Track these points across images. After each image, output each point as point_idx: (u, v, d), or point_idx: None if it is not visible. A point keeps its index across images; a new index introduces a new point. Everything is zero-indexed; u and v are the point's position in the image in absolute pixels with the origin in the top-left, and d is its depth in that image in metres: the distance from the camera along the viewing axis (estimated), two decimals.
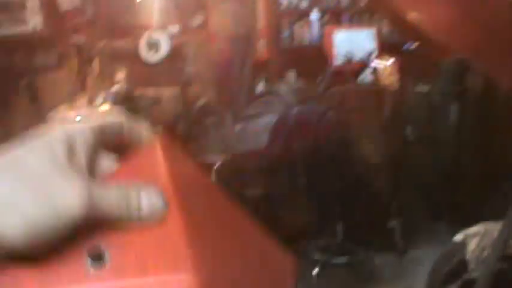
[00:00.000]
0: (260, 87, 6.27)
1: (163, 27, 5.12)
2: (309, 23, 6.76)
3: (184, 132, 5.32)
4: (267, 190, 4.22)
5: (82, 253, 0.46)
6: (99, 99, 1.43)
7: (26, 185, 0.42)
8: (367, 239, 4.74)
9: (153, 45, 4.96)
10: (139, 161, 0.52)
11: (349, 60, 5.19)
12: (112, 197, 0.46)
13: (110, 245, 0.46)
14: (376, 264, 4.64)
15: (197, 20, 5.37)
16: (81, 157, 0.47)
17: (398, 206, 4.94)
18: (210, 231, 0.53)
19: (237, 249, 0.56)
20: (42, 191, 0.42)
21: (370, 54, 5.21)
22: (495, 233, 1.79)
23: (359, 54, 5.22)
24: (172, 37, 5.08)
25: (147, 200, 0.47)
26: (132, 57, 4.99)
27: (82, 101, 4.41)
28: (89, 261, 0.45)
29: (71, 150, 0.46)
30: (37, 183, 0.43)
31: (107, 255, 0.46)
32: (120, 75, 4.85)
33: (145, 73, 5.11)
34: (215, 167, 3.29)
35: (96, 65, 5.04)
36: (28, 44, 4.79)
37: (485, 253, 2.62)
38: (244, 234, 0.60)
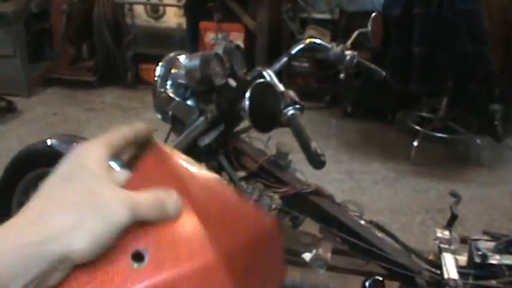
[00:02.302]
0: None
1: None
2: None
3: None
4: (376, 54, 4.06)
5: (126, 253, 0.53)
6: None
7: (85, 207, 0.52)
8: (469, 120, 4.66)
9: None
10: (149, 167, 0.62)
11: None
12: (148, 202, 0.55)
13: (148, 242, 0.54)
14: (474, 146, 4.56)
15: None
16: (116, 170, 0.59)
17: (502, 90, 4.82)
18: (217, 220, 0.61)
19: (241, 229, 0.65)
20: (97, 208, 0.52)
21: None
22: None
23: None
24: None
25: (173, 201, 0.57)
26: None
27: None
28: (132, 260, 0.53)
29: (108, 167, 0.58)
30: (92, 202, 0.52)
31: (147, 253, 0.53)
32: None
33: None
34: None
35: None
36: None
37: None
38: (244, 216, 0.69)
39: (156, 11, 5.43)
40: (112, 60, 5.59)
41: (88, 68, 5.63)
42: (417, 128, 4.54)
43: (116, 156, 0.61)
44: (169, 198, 0.57)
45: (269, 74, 1.58)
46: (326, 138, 4.72)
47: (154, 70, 1.73)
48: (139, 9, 5.47)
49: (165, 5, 5.38)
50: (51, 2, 5.44)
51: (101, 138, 0.62)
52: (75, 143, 2.24)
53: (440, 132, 4.51)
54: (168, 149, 0.69)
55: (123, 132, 0.65)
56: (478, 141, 4.48)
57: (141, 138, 0.66)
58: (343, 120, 5.13)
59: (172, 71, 1.72)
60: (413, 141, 4.41)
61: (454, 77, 4.11)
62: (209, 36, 5.37)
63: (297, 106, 1.45)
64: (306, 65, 5.12)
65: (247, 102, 1.41)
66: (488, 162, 4.47)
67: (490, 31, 4.25)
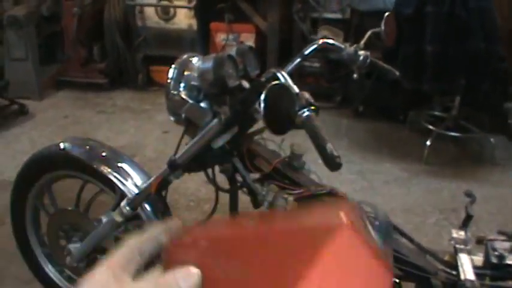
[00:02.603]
0: None
1: None
2: None
3: None
4: (388, 53, 4.04)
5: None
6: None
7: None
8: (481, 118, 4.64)
9: None
10: None
11: None
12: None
13: None
14: (487, 145, 4.53)
15: None
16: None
17: None
18: None
19: None
20: None
21: None
22: None
23: None
24: None
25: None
26: None
27: None
28: None
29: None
30: None
31: None
32: None
33: None
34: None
35: None
36: None
37: None
38: None
39: (166, 13, 5.44)
40: (123, 62, 5.60)
41: (99, 70, 5.64)
42: (430, 127, 4.51)
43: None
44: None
45: (283, 76, 1.57)
46: (337, 138, 4.71)
47: (166, 72, 1.73)
48: (149, 11, 5.47)
49: (175, 7, 5.38)
50: (62, 4, 5.46)
51: (110, 264, 0.68)
52: (87, 146, 2.25)
53: (453, 132, 4.48)
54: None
55: (133, 248, 0.70)
56: (491, 140, 4.45)
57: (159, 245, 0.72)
58: (355, 120, 5.11)
59: (185, 73, 1.72)
60: (426, 140, 4.39)
61: (467, 75, 4.08)
62: (220, 37, 5.37)
63: (312, 108, 1.44)
64: (316, 65, 5.11)
65: (262, 105, 1.40)
66: (502, 162, 4.44)
67: (502, 27, 4.22)
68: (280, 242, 0.66)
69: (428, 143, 4.37)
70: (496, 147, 4.45)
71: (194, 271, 0.65)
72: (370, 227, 0.70)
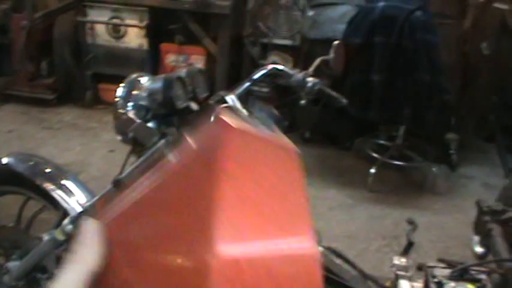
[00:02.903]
0: None
1: None
2: None
3: (253, 11, 5.19)
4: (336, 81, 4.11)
5: None
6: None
7: None
8: (425, 148, 4.74)
9: None
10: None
11: None
12: None
13: None
14: (430, 174, 4.63)
15: None
16: None
17: (458, 120, 4.93)
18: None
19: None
20: None
21: None
22: None
23: None
24: None
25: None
26: None
27: None
28: None
29: None
30: None
31: None
32: None
33: None
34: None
35: None
36: None
37: None
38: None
39: (117, 31, 5.41)
40: (71, 78, 5.53)
41: (47, 86, 5.56)
42: (374, 155, 4.59)
43: None
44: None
45: (232, 99, 1.58)
46: None
47: (114, 90, 1.72)
48: (100, 28, 5.44)
49: (126, 25, 5.36)
50: (11, 17, 5.37)
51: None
52: (31, 162, 2.21)
53: (397, 160, 4.57)
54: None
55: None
56: (433, 169, 4.55)
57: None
58: (301, 145, 5.08)
59: (134, 92, 1.71)
60: (371, 168, 4.46)
61: (412, 105, 4.18)
62: (169, 58, 5.37)
63: None
64: (265, 89, 5.13)
65: None
66: (443, 190, 4.54)
67: (448, 62, 4.34)
68: (182, 177, 0.68)
69: (372, 170, 4.44)
70: (437, 177, 4.55)
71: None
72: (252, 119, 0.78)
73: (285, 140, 0.73)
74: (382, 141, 4.87)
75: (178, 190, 0.66)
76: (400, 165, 4.57)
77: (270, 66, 1.94)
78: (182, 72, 1.73)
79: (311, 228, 0.69)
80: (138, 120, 1.67)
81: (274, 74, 1.98)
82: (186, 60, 5.32)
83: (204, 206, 0.63)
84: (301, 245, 0.69)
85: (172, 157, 0.75)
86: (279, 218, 0.67)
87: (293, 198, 0.69)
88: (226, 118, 0.66)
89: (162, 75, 1.67)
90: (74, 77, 5.53)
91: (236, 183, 0.62)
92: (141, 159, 1.71)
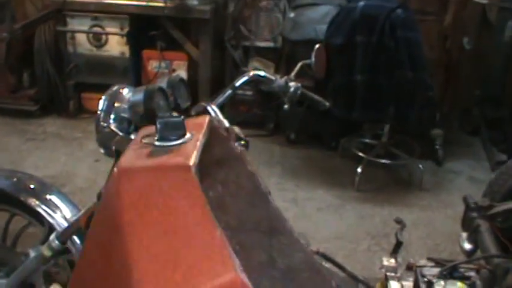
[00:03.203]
0: None
1: None
2: None
3: (234, 14, 5.19)
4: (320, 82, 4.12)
5: None
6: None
7: None
8: (410, 145, 4.76)
9: None
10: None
11: None
12: None
13: None
14: (416, 171, 4.65)
15: None
16: None
17: (442, 115, 4.96)
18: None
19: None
20: None
21: None
22: None
23: None
24: None
25: None
26: None
27: None
28: None
29: None
30: None
31: None
32: None
33: None
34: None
35: None
36: None
37: None
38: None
39: (98, 40, 5.38)
40: (54, 89, 5.49)
41: (29, 97, 5.52)
42: (360, 154, 4.59)
43: None
44: None
45: (214, 110, 1.58)
46: (270, 166, 4.73)
47: (97, 99, 1.71)
48: (81, 37, 5.41)
49: (107, 34, 5.34)
50: None
51: None
52: (15, 178, 2.19)
53: (383, 158, 4.58)
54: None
55: None
56: (420, 165, 4.56)
57: None
58: (287, 147, 5.15)
59: (116, 104, 1.70)
60: (357, 167, 4.47)
61: (396, 103, 4.18)
62: (152, 65, 5.35)
63: (242, 142, 1.45)
64: (249, 93, 5.14)
65: None
66: (430, 187, 4.55)
67: (430, 58, 4.36)
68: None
69: (359, 169, 4.45)
70: (424, 173, 4.57)
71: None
72: None
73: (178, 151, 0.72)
74: (367, 140, 4.88)
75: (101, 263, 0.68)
76: (386, 163, 4.58)
77: (252, 73, 1.94)
78: (163, 82, 1.72)
79: (229, 256, 0.66)
80: (121, 133, 1.66)
81: (256, 80, 1.98)
82: (168, 66, 5.30)
83: (125, 279, 0.63)
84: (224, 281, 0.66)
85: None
86: (195, 264, 0.65)
87: (200, 231, 0.67)
88: (124, 161, 0.68)
89: (143, 87, 1.66)
90: (56, 87, 5.49)
91: (142, 235, 0.61)
92: None
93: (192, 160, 0.68)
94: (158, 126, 0.65)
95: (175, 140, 0.69)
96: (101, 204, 0.70)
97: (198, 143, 0.72)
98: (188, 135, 0.72)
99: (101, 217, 0.67)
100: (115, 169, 0.62)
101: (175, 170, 0.68)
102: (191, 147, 0.73)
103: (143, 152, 0.70)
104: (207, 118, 0.81)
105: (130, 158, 0.67)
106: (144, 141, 0.71)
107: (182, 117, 0.70)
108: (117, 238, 0.62)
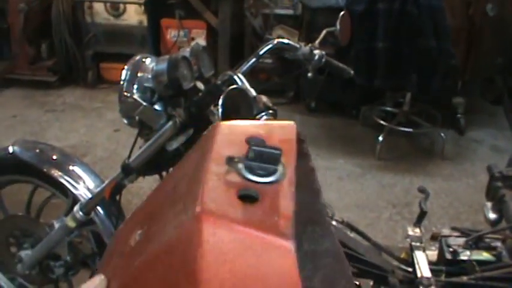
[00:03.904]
0: None
1: None
2: None
3: None
4: (340, 49, 4.06)
5: None
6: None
7: None
8: (432, 113, 4.71)
9: None
10: None
11: None
12: None
13: None
14: (438, 139, 4.60)
15: None
16: None
17: (464, 83, 4.89)
18: None
19: None
20: None
21: None
22: None
23: None
24: None
25: None
26: None
27: None
28: None
29: None
30: None
31: None
32: None
33: None
34: None
35: None
36: None
37: None
38: None
39: (116, 9, 5.35)
40: (72, 59, 5.49)
41: (48, 68, 5.52)
42: (382, 122, 4.55)
43: None
44: None
45: (240, 79, 1.55)
46: None
47: (116, 69, 1.70)
48: (99, 7, 5.38)
49: (125, 3, 5.31)
50: (7, 1, 5.31)
51: None
52: (37, 150, 2.19)
53: (404, 127, 4.54)
54: None
55: None
56: (442, 134, 4.52)
57: None
58: (307, 115, 5.12)
59: (139, 74, 1.68)
60: (378, 136, 4.43)
61: (418, 71, 4.13)
62: (170, 34, 5.32)
63: (270, 111, 1.42)
64: (269, 61, 5.09)
65: (220, 110, 1.38)
66: (452, 156, 4.51)
67: (452, 25, 4.28)
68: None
69: (380, 138, 4.41)
70: (446, 142, 4.52)
71: (96, 280, 0.64)
72: None
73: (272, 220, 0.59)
74: (388, 108, 4.84)
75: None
76: (407, 131, 4.54)
77: (276, 41, 1.90)
78: (186, 51, 1.70)
79: None
80: (144, 103, 1.65)
81: (280, 48, 1.95)
82: (187, 35, 5.26)
83: None
84: None
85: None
86: None
87: None
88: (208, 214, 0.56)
89: (166, 56, 1.64)
90: (74, 58, 5.49)
91: None
92: (149, 142, 1.68)
93: (291, 232, 0.59)
94: (251, 154, 0.55)
95: (266, 176, 0.57)
96: (164, 238, 0.57)
97: (292, 190, 0.63)
98: (280, 169, 0.60)
99: (166, 257, 0.58)
100: (197, 207, 0.53)
101: (272, 248, 0.58)
102: (285, 197, 0.62)
103: (230, 187, 0.60)
104: (294, 131, 0.71)
105: (216, 193, 0.57)
106: (228, 165, 0.59)
107: (280, 151, 0.60)
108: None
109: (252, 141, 0.63)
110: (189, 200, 0.58)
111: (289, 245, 0.57)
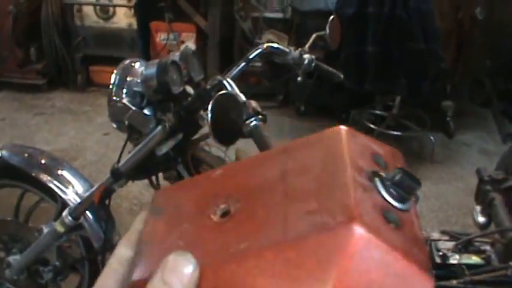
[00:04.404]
0: None
1: None
2: None
3: None
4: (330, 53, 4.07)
5: None
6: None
7: None
8: (422, 117, 4.72)
9: None
10: None
11: None
12: None
13: None
14: (427, 143, 4.62)
15: None
16: None
17: (454, 87, 4.91)
18: None
19: None
20: None
21: None
22: None
23: None
24: None
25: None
26: None
27: None
28: None
29: None
30: None
31: None
32: None
33: None
34: None
35: None
36: None
37: None
38: None
39: (105, 12, 5.34)
40: (61, 62, 5.47)
41: (37, 71, 5.50)
42: (371, 126, 4.56)
43: None
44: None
45: (230, 84, 1.55)
46: (280, 138, 4.70)
47: (105, 72, 1.70)
48: (88, 9, 5.36)
49: (114, 6, 5.29)
50: None
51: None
52: (26, 154, 2.18)
53: (394, 130, 4.54)
54: None
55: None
56: (431, 137, 4.53)
57: None
58: (297, 119, 5.12)
59: (128, 78, 1.67)
60: None
61: (408, 74, 4.15)
62: (160, 37, 5.31)
63: (260, 117, 1.42)
64: (258, 64, 5.09)
65: (209, 115, 1.38)
66: (442, 159, 4.53)
67: (442, 28, 4.30)
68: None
69: None
70: (435, 145, 4.53)
71: (188, 264, 0.46)
72: None
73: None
74: (378, 112, 4.84)
75: None
76: (397, 135, 4.54)
77: (266, 46, 1.90)
78: (176, 55, 1.70)
79: None
80: (133, 108, 1.64)
81: (269, 53, 1.95)
82: (176, 38, 5.25)
83: None
84: None
85: None
86: None
87: None
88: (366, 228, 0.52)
89: (156, 61, 1.63)
90: (64, 61, 5.47)
91: None
92: (139, 146, 1.68)
93: (430, 268, 0.56)
94: (398, 177, 0.53)
95: (403, 202, 0.55)
96: (289, 231, 0.50)
97: (420, 223, 0.60)
98: None
99: (293, 251, 0.52)
100: (356, 227, 0.49)
101: (416, 281, 0.55)
102: (418, 229, 0.59)
103: (376, 204, 0.56)
104: (403, 160, 0.66)
105: (365, 207, 0.54)
106: (370, 180, 0.55)
107: (419, 184, 0.58)
108: None
109: (378, 159, 0.60)
110: (334, 204, 0.54)
111: (431, 283, 0.55)
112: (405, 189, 0.55)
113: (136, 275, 0.53)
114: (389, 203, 0.56)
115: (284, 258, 0.51)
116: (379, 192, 0.56)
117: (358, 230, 0.50)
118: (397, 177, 0.55)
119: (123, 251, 0.53)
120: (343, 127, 0.58)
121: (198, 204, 0.61)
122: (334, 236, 0.51)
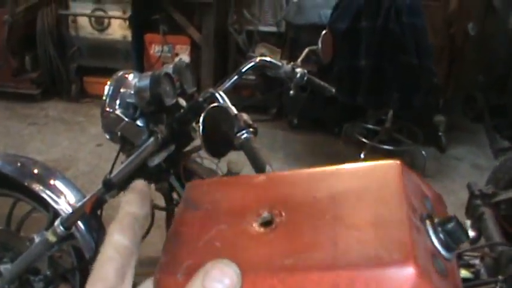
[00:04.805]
0: None
1: None
2: None
3: None
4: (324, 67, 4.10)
5: None
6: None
7: None
8: (414, 131, 4.75)
9: None
10: None
11: None
12: None
13: None
14: (419, 157, 4.64)
15: None
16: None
17: (446, 101, 4.95)
18: None
19: None
20: None
21: None
22: None
23: None
24: None
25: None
26: None
27: None
28: None
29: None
30: None
31: None
32: None
33: None
34: None
35: None
36: None
37: None
38: None
39: (100, 23, 5.36)
40: (56, 72, 5.48)
41: (31, 81, 5.50)
42: (364, 140, 4.58)
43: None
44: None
45: (222, 97, 1.56)
46: (273, 151, 4.72)
47: (99, 83, 1.72)
48: (83, 21, 5.38)
49: (109, 17, 5.31)
50: None
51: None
52: (19, 163, 2.18)
53: (386, 144, 4.56)
54: None
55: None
56: (423, 152, 4.55)
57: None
58: (290, 132, 5.14)
59: (122, 90, 1.69)
60: (360, 153, 4.46)
61: (400, 88, 4.17)
62: (154, 49, 5.33)
63: (251, 130, 1.44)
64: (252, 77, 5.12)
65: (200, 128, 1.39)
66: (433, 173, 4.54)
67: (434, 43, 4.34)
68: None
69: (362, 155, 4.44)
70: (427, 159, 4.56)
71: (233, 275, 0.44)
72: None
73: None
74: (370, 126, 4.87)
75: None
76: (389, 149, 4.56)
77: (258, 59, 1.92)
78: (169, 68, 1.71)
79: None
80: (126, 119, 1.65)
81: (262, 66, 1.96)
82: (171, 51, 5.27)
83: None
84: None
85: None
86: None
87: None
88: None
89: (149, 72, 1.65)
90: (58, 71, 5.48)
91: None
92: (131, 157, 1.69)
93: None
94: (450, 226, 0.51)
95: (449, 251, 0.54)
96: (341, 255, 0.48)
97: (460, 275, 0.58)
98: None
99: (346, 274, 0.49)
100: (411, 268, 0.45)
101: None
102: (460, 281, 0.58)
103: (427, 249, 0.54)
104: (443, 199, 0.63)
105: (419, 249, 0.51)
106: (422, 222, 0.53)
107: (468, 238, 0.56)
108: None
109: (426, 201, 0.58)
110: (389, 239, 0.52)
111: None
112: (454, 239, 0.55)
113: (165, 270, 0.51)
114: (437, 249, 0.54)
115: (331, 283, 0.49)
116: (429, 237, 0.55)
117: (413, 272, 0.48)
118: (450, 225, 0.56)
119: (117, 238, 0.51)
120: (398, 162, 0.56)
121: (239, 207, 0.59)
122: (388, 272, 0.49)
